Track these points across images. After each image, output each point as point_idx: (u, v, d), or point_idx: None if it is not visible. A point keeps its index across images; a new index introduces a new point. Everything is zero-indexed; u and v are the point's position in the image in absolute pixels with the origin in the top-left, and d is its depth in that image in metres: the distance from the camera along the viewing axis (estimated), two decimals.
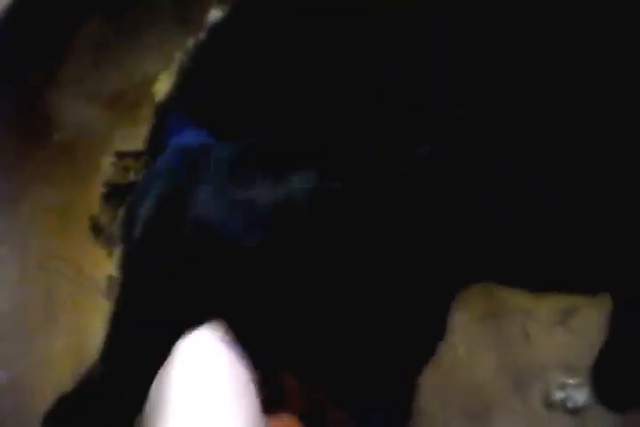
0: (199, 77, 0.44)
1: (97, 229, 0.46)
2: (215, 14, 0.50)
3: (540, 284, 0.41)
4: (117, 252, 0.44)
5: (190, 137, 0.40)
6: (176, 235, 0.36)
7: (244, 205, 0.35)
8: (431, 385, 0.39)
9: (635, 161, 0.36)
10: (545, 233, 0.38)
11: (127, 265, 0.40)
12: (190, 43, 0.50)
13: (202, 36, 0.49)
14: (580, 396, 0.39)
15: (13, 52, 0.44)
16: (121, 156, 0.48)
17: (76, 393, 0.39)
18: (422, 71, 0.38)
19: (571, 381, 0.39)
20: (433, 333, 0.38)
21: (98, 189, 0.47)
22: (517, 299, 0.42)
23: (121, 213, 0.46)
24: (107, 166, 0.48)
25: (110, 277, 0.44)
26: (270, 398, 0.34)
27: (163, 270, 0.37)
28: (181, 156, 0.38)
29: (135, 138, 0.48)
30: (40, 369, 0.40)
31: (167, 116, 0.44)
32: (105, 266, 0.45)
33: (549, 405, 0.39)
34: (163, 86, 0.49)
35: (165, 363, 0.34)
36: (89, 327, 0.42)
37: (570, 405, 0.39)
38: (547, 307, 0.41)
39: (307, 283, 0.35)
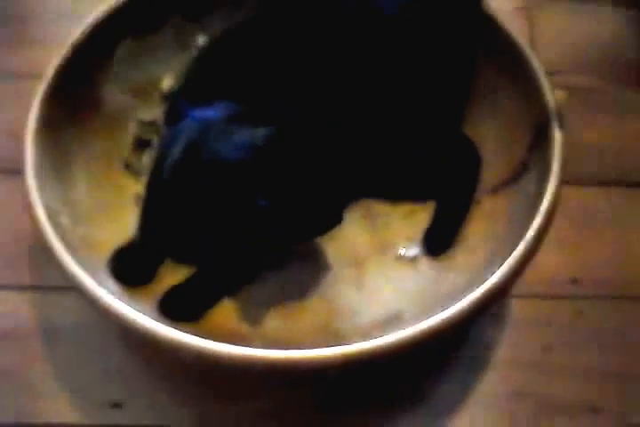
0: (200, 75, 0.71)
1: (128, 166, 0.71)
2: (202, 40, 0.76)
3: (394, 197, 0.69)
4: (141, 179, 0.70)
5: (199, 112, 0.62)
6: (196, 166, 0.57)
7: (234, 143, 0.56)
8: (330, 250, 0.66)
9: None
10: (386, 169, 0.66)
11: (152, 184, 0.64)
12: (185, 58, 0.75)
13: (193, 53, 0.77)
14: (414, 251, 0.67)
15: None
16: (141, 123, 0.73)
17: (126, 247, 0.65)
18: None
19: (410, 245, 0.68)
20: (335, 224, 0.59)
21: (128, 142, 0.72)
22: (382, 206, 0.70)
23: (144, 157, 0.72)
24: (133, 128, 0.73)
25: (137, 194, 0.68)
26: None
27: (182, 188, 0.58)
28: (196, 122, 0.60)
29: (151, 112, 0.74)
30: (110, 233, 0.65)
31: (176, 101, 0.70)
32: (133, 187, 0.70)
33: (398, 258, 0.67)
34: (167, 83, 0.75)
35: None
36: (129, 218, 0.67)
37: (408, 256, 0.67)
38: (399, 209, 0.69)
39: None
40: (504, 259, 0.55)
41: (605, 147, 0.81)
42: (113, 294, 0.56)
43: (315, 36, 0.67)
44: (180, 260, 0.65)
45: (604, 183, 0.79)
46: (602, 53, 0.89)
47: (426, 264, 0.66)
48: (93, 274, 0.56)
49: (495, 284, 0.54)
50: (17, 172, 0.70)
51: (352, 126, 0.64)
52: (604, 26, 0.92)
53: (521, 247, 0.56)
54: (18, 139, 0.73)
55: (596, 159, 0.80)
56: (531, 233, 0.56)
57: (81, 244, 0.60)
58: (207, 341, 0.52)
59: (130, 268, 0.63)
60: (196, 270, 0.64)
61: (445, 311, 0.53)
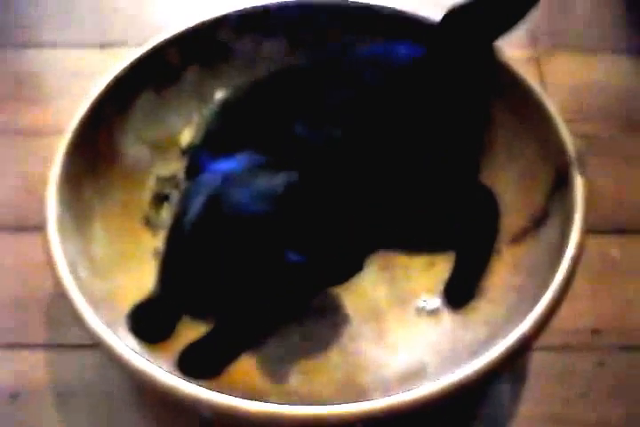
0: (220, 129, 0.72)
1: (147, 221, 0.72)
2: (220, 93, 0.78)
3: (413, 248, 0.69)
4: (160, 233, 0.70)
5: (221, 165, 0.63)
6: (217, 219, 0.56)
7: (255, 193, 0.56)
8: (349, 303, 0.66)
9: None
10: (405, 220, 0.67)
11: (171, 238, 0.64)
12: (204, 111, 0.77)
13: (212, 107, 0.77)
14: (435, 304, 0.67)
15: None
16: (160, 178, 0.74)
17: (144, 302, 0.65)
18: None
19: (430, 298, 0.67)
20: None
21: (147, 197, 0.73)
22: (400, 258, 0.70)
23: (163, 211, 0.72)
24: (151, 183, 0.74)
25: (155, 248, 0.69)
26: None
27: (204, 243, 0.57)
28: (217, 174, 0.60)
29: (168, 168, 0.74)
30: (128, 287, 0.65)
31: (197, 154, 0.72)
32: (152, 242, 0.70)
33: (418, 311, 0.67)
34: (185, 137, 0.76)
35: None
36: (147, 272, 0.67)
37: (429, 308, 0.66)
38: (418, 261, 0.69)
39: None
40: (528, 310, 0.55)
41: (620, 195, 0.82)
42: (133, 350, 0.55)
43: (331, 88, 0.68)
44: (199, 315, 0.64)
45: (619, 231, 0.79)
46: (614, 102, 0.90)
47: (447, 317, 0.66)
48: (113, 330, 0.56)
49: (522, 336, 0.53)
50: (28, 228, 0.72)
51: (370, 176, 0.64)
52: (616, 75, 0.93)
53: (546, 298, 0.55)
54: (31, 195, 0.75)
55: (611, 207, 0.80)
56: (556, 283, 0.56)
57: (100, 299, 0.60)
58: (227, 396, 0.51)
59: (148, 324, 0.63)
60: (213, 326, 0.64)
61: (471, 366, 0.52)
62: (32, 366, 0.69)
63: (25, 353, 0.70)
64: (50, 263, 0.58)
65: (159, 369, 0.52)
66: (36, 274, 0.72)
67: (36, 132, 0.86)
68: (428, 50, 0.69)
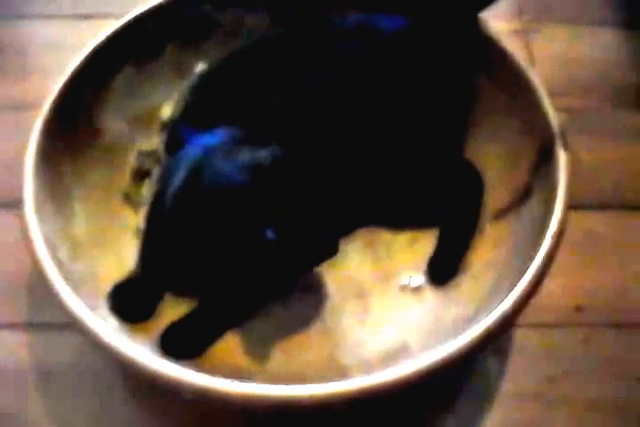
0: (199, 102, 0.70)
1: (128, 198, 0.70)
2: (201, 67, 0.76)
3: (396, 224, 0.69)
4: (141, 211, 0.69)
5: (201, 138, 0.60)
6: (198, 192, 0.55)
7: (238, 165, 0.54)
8: (332, 280, 0.66)
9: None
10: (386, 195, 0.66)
11: (152, 215, 0.63)
12: (184, 85, 0.76)
13: (192, 80, 0.75)
14: (419, 281, 0.66)
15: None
16: (141, 153, 0.73)
17: (125, 281, 0.64)
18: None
19: (414, 275, 0.67)
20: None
21: (128, 172, 0.71)
22: (384, 234, 0.69)
23: (143, 188, 0.71)
24: (132, 159, 0.72)
25: (137, 226, 0.67)
26: None
27: (185, 217, 0.56)
28: (197, 148, 0.58)
29: (149, 143, 0.73)
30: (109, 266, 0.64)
31: (177, 128, 0.69)
32: (133, 219, 0.69)
33: (402, 288, 0.66)
34: (166, 111, 0.74)
35: None
36: (129, 251, 0.66)
37: (413, 286, 0.66)
38: (401, 237, 0.69)
39: None
40: (512, 286, 0.55)
41: (604, 170, 0.81)
42: (113, 330, 0.55)
43: (313, 60, 0.67)
44: (181, 293, 0.64)
45: (603, 207, 0.78)
46: (600, 75, 0.89)
47: (431, 293, 0.65)
48: (93, 310, 0.55)
49: (505, 312, 0.53)
50: (12, 204, 0.70)
51: (351, 151, 0.63)
52: (602, 48, 0.92)
53: (529, 274, 0.55)
54: (13, 170, 0.74)
55: (595, 183, 0.79)
56: (539, 259, 0.55)
57: (80, 279, 0.59)
58: (208, 377, 0.51)
59: (130, 303, 0.62)
60: (196, 305, 0.63)
61: (454, 343, 0.52)
62: (13, 345, 0.68)
63: (7, 332, 0.69)
64: (27, 245, 0.57)
65: (138, 350, 0.52)
66: (16, 251, 0.70)
67: (14, 107, 0.84)
68: (411, 22, 0.68)
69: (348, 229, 0.67)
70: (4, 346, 0.68)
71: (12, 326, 0.69)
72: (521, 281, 0.55)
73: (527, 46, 0.91)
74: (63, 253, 0.59)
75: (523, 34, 0.92)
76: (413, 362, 0.51)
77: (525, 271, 0.55)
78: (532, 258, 0.56)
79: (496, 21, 0.70)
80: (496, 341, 0.57)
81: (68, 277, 0.56)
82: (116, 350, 0.52)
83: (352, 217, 0.67)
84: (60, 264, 0.56)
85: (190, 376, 0.51)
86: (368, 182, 0.65)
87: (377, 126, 0.65)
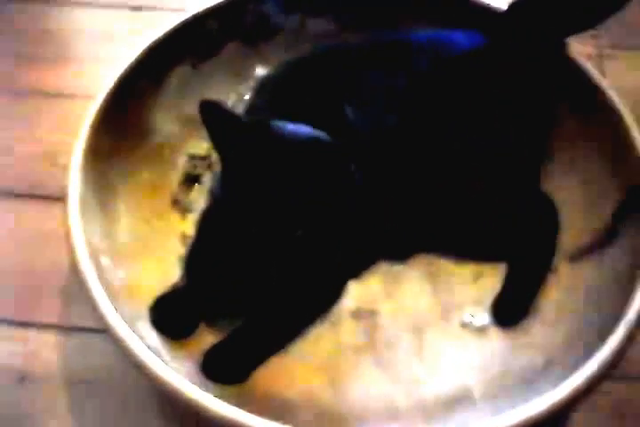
0: (258, 110, 0.66)
1: (175, 203, 0.66)
2: (260, 71, 0.73)
3: (461, 253, 0.64)
4: (188, 217, 0.65)
5: None
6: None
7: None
8: (387, 309, 0.61)
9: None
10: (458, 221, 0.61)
11: (206, 222, 0.59)
12: (242, 88, 0.72)
13: (252, 84, 0.71)
14: (483, 320, 0.61)
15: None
16: (192, 157, 0.69)
17: (169, 294, 0.59)
18: None
19: (477, 313, 0.62)
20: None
21: (177, 176, 0.67)
22: (446, 265, 0.64)
23: (193, 193, 0.67)
24: (182, 163, 0.69)
25: (183, 233, 0.63)
26: None
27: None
28: None
29: (201, 146, 0.69)
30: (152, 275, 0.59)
31: None
32: (180, 225, 0.64)
33: (463, 326, 0.61)
34: None
35: None
36: (173, 258, 0.61)
37: (476, 324, 0.61)
38: (465, 270, 0.63)
39: None
40: (594, 344, 0.49)
41: None
42: (152, 347, 0.50)
43: (384, 72, 0.63)
44: (227, 309, 0.59)
45: None
46: None
47: (495, 335, 0.60)
48: (134, 322, 0.51)
49: (591, 376, 0.47)
50: (43, 197, 0.68)
51: (421, 170, 0.60)
52: None
53: (618, 335, 0.49)
54: (55, 161, 0.70)
55: None
56: (629, 321, 0.50)
57: (121, 288, 0.55)
58: (252, 417, 0.46)
59: (172, 318, 0.57)
60: (241, 325, 0.58)
61: (538, 401, 0.46)
62: (41, 347, 0.63)
63: (35, 333, 0.64)
64: (69, 247, 0.52)
65: (181, 380, 0.47)
66: (52, 246, 0.66)
67: (57, 96, 0.81)
68: (490, 40, 0.64)
69: (407, 251, 0.63)
70: (33, 346, 0.63)
71: (42, 325, 0.64)
72: (609, 342, 0.49)
73: (600, 72, 0.86)
74: (105, 260, 0.55)
75: (597, 59, 0.86)
76: (491, 420, 0.46)
77: (613, 331, 0.50)
78: (620, 317, 0.50)
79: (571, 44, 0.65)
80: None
81: (108, 287, 0.51)
82: (149, 372, 0.48)
83: (413, 238, 0.62)
84: (100, 273, 0.52)
85: (230, 412, 0.46)
86: (435, 204, 0.60)
87: (449, 145, 0.60)
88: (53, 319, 0.65)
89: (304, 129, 0.53)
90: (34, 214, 0.71)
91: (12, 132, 0.77)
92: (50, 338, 0.64)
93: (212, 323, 0.58)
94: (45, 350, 0.63)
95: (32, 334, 0.64)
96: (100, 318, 0.51)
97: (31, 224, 0.70)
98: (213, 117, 0.53)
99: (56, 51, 0.87)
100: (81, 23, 0.90)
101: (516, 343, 0.59)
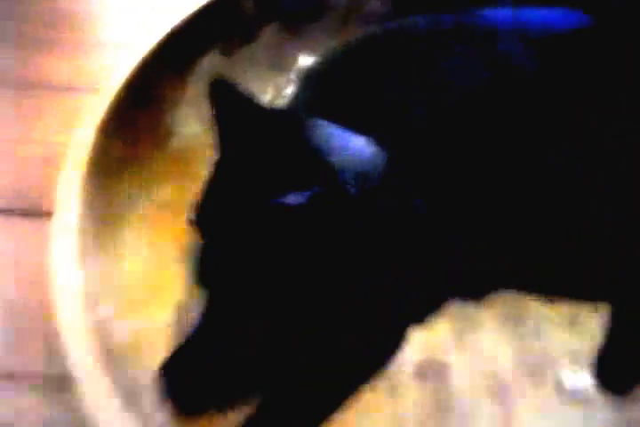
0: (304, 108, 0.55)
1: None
2: (304, 60, 0.62)
3: (552, 293, 0.52)
4: None
5: None
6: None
7: None
8: (460, 366, 0.49)
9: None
10: (552, 252, 0.49)
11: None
12: (282, 80, 0.62)
13: (295, 76, 0.61)
14: (583, 381, 0.48)
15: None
16: None
17: (182, 348, 0.46)
18: None
19: (575, 370, 0.49)
20: None
21: (197, 189, 0.56)
22: (533, 305, 0.51)
23: None
24: (206, 172, 0.58)
25: None
26: None
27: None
28: None
29: None
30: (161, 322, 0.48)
31: None
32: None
33: (559, 389, 0.48)
34: None
35: None
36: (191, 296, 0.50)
37: (574, 387, 0.48)
38: (558, 312, 0.51)
39: None
40: None
41: None
42: None
43: (458, 62, 0.52)
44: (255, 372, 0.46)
45: None
46: None
47: (602, 403, 0.46)
48: (133, 402, 0.39)
49: None
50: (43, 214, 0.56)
51: (513, 184, 0.48)
52: None
53: None
54: (49, 168, 0.58)
55: None
56: None
57: (121, 345, 0.43)
58: None
59: (186, 385, 0.44)
60: (271, 393, 0.45)
61: None
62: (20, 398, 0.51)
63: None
64: (53, 297, 0.40)
65: None
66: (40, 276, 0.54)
67: (65, 89, 0.70)
68: (596, 20, 0.52)
69: (484, 288, 0.51)
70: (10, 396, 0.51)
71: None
72: None
73: None
74: (104, 310, 0.43)
75: None
76: None
77: None
78: None
79: None
80: None
81: (105, 350, 0.39)
82: None
83: (495, 272, 0.50)
84: (97, 327, 0.40)
85: None
86: (525, 227, 0.48)
87: (551, 152, 0.48)
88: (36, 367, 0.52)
89: (353, 140, 0.44)
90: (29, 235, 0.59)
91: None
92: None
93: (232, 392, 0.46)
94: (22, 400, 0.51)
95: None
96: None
97: (24, 247, 0.58)
98: (226, 99, 0.46)
99: (74, 35, 0.76)
100: (99, 4, 0.79)
101: (629, 417, 0.46)
